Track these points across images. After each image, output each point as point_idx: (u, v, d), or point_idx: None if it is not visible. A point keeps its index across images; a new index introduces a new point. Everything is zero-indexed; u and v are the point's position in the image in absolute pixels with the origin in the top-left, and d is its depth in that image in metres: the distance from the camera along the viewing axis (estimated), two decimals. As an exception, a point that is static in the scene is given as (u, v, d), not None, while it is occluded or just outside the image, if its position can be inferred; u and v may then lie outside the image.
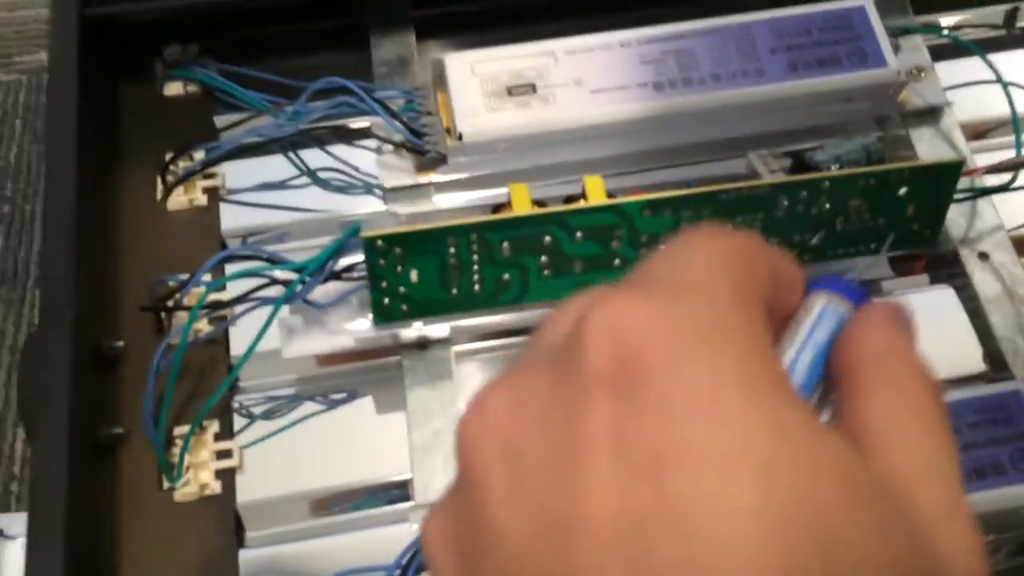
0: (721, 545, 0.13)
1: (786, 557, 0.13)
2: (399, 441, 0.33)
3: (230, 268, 0.34)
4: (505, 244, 0.31)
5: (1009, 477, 0.29)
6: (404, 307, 0.32)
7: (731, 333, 0.14)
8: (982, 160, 0.37)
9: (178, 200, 0.37)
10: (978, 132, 0.40)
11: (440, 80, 0.36)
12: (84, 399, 0.31)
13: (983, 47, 0.40)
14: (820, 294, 0.17)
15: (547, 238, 0.31)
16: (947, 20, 0.42)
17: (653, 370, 0.14)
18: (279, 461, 0.33)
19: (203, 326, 0.34)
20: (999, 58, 0.40)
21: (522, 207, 0.32)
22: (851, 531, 0.13)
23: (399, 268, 0.31)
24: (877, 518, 0.13)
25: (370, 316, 0.32)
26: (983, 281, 0.35)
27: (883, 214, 0.33)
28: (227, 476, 0.32)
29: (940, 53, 0.39)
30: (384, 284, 0.31)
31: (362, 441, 0.34)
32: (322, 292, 0.33)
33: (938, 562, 0.14)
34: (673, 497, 0.13)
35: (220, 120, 0.39)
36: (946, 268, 0.36)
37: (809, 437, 0.14)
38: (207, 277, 0.33)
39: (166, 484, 0.32)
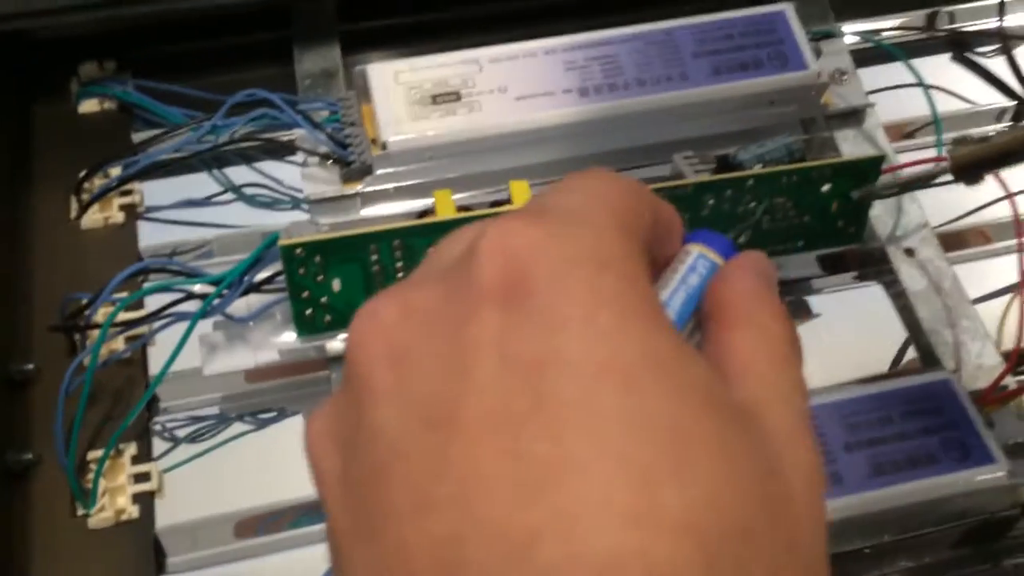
0: (588, 441, 0.14)
1: (645, 457, 0.14)
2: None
3: (147, 284, 0.33)
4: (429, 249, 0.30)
5: (941, 466, 0.29)
6: (328, 318, 0.31)
7: (612, 260, 0.15)
8: (906, 158, 0.37)
9: (93, 219, 0.36)
10: (901, 133, 0.40)
11: (364, 90, 0.35)
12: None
13: (904, 51, 0.40)
14: (696, 245, 0.19)
15: (472, 242, 0.31)
16: (868, 26, 0.43)
17: (539, 286, 0.15)
18: (202, 483, 0.31)
19: (118, 345, 0.33)
20: (919, 62, 0.41)
21: (446, 211, 0.32)
22: (706, 441, 0.14)
23: (320, 277, 0.30)
24: (730, 431, 0.15)
25: (294, 329, 0.31)
26: (910, 276, 0.36)
27: (807, 211, 0.33)
28: (145, 500, 0.31)
29: (862, 58, 0.40)
30: (305, 294, 0.30)
31: (290, 459, 0.32)
32: (244, 306, 0.32)
33: (783, 474, 0.15)
34: (547, 399, 0.14)
35: (138, 137, 0.38)
36: (874, 265, 0.37)
37: (675, 357, 0.15)
38: (122, 294, 0.32)
39: (80, 510, 0.30)
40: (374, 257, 0.30)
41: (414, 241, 0.30)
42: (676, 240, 0.19)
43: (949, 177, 0.31)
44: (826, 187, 0.32)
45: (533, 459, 0.14)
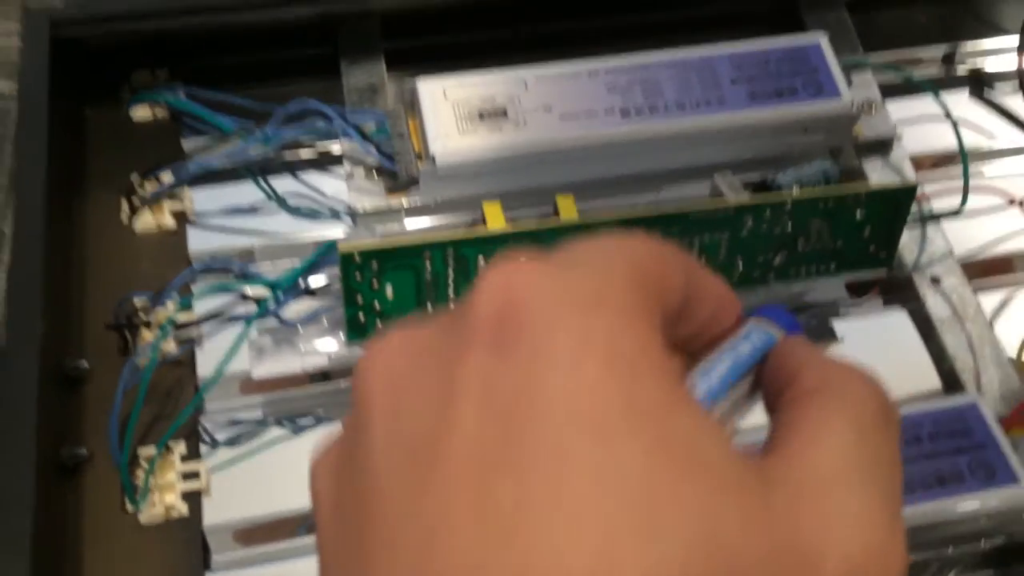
0: (554, 492, 0.13)
1: (609, 512, 0.13)
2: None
3: (198, 287, 0.34)
4: (481, 259, 0.31)
5: (968, 484, 0.30)
6: (378, 323, 0.32)
7: (610, 307, 0.15)
8: (931, 189, 0.39)
9: (145, 222, 0.37)
10: (926, 164, 0.42)
11: (412, 104, 0.36)
12: (49, 419, 0.30)
13: (919, 89, 0.42)
14: (754, 318, 0.18)
15: (521, 255, 0.32)
16: (892, 58, 0.44)
17: (528, 326, 0.14)
18: (247, 483, 0.32)
19: (170, 346, 0.33)
20: (947, 95, 0.42)
21: (496, 224, 0.33)
22: (681, 502, 0.13)
23: (374, 283, 0.31)
24: (714, 496, 0.14)
25: (342, 335, 0.32)
26: (935, 304, 0.37)
27: (841, 235, 0.34)
28: (193, 498, 0.31)
29: (887, 91, 0.41)
30: (359, 299, 0.31)
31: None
32: (293, 311, 0.33)
33: (798, 553, 0.14)
34: (521, 445, 0.14)
35: (188, 144, 0.39)
36: (900, 292, 0.38)
37: (663, 410, 0.14)
38: (174, 296, 0.33)
39: (130, 507, 0.31)
40: (427, 265, 0.31)
41: (466, 251, 0.31)
42: (728, 314, 0.18)
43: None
44: (860, 213, 0.34)
45: (499, 506, 0.13)
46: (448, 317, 0.16)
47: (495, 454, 0.14)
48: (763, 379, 0.17)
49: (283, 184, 0.39)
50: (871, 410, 0.16)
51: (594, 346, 0.14)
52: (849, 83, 0.39)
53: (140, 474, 0.31)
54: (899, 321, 0.37)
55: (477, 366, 0.14)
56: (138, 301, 0.34)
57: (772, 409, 0.17)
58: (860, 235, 0.34)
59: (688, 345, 0.18)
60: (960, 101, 0.44)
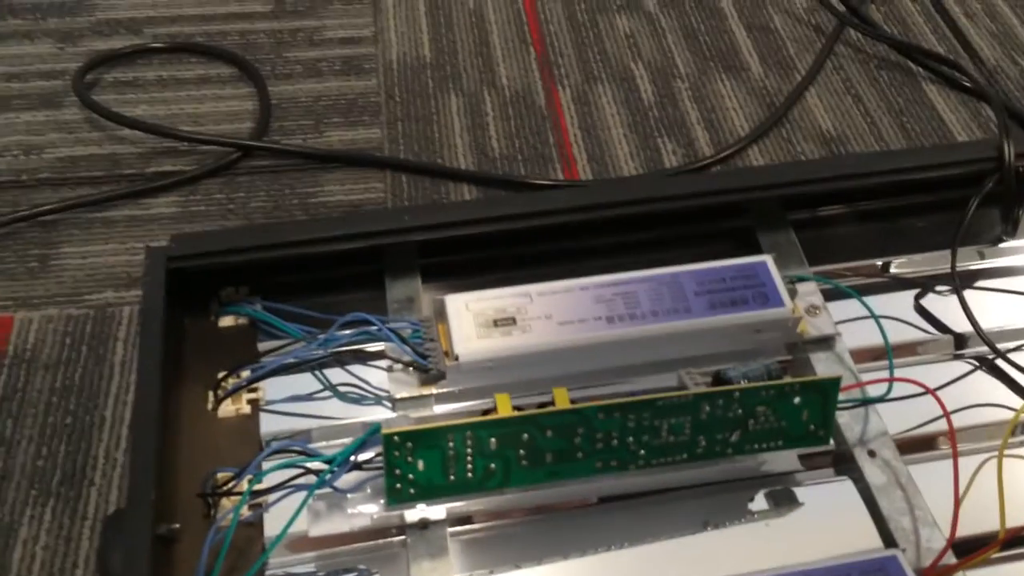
0: None
1: None
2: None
3: (269, 463, 0.43)
4: (492, 440, 0.40)
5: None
6: (412, 491, 0.40)
7: None
8: (867, 377, 0.47)
9: (227, 410, 0.46)
10: (866, 356, 0.50)
11: (440, 314, 0.46)
12: (153, 572, 0.38)
13: (866, 291, 0.51)
14: None
15: (524, 435, 0.40)
16: (838, 268, 0.53)
17: None
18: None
19: (244, 510, 0.42)
20: (886, 298, 0.51)
21: (505, 411, 0.42)
22: None
23: (409, 459, 0.40)
24: None
25: (382, 501, 0.41)
26: (872, 473, 0.44)
27: (784, 418, 0.42)
28: (263, 640, 0.39)
29: (834, 295, 0.50)
30: (397, 472, 0.40)
31: (373, 608, 0.41)
32: (343, 481, 0.41)
33: None
34: None
35: (263, 346, 0.49)
36: (846, 463, 0.45)
37: None
38: (251, 470, 0.42)
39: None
40: (450, 444, 0.40)
41: (481, 433, 0.40)
42: None
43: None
44: (797, 399, 0.42)
45: None
46: None
47: None
48: None
49: (337, 376, 0.48)
50: None
51: None
52: (794, 293, 0.48)
53: (219, 617, 0.39)
54: (846, 488, 0.45)
55: None
56: (221, 475, 0.42)
57: None
58: (799, 418, 0.42)
59: None
60: (894, 303, 0.52)
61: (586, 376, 0.46)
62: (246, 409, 0.46)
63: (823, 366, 0.48)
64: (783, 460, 0.45)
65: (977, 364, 0.49)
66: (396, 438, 0.39)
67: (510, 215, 0.50)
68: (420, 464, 0.40)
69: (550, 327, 0.45)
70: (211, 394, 0.47)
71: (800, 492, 0.45)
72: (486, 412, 0.43)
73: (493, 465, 0.40)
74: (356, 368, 0.48)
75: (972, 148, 0.54)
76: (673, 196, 0.51)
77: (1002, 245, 0.54)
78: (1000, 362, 0.49)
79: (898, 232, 0.55)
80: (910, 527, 0.42)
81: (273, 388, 0.47)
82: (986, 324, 0.50)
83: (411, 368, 0.46)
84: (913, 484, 0.44)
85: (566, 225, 0.51)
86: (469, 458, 0.40)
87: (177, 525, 0.42)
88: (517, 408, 0.43)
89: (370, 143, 0.67)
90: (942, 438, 0.46)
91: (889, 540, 0.42)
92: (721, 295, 0.46)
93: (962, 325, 0.50)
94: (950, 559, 0.40)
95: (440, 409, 0.46)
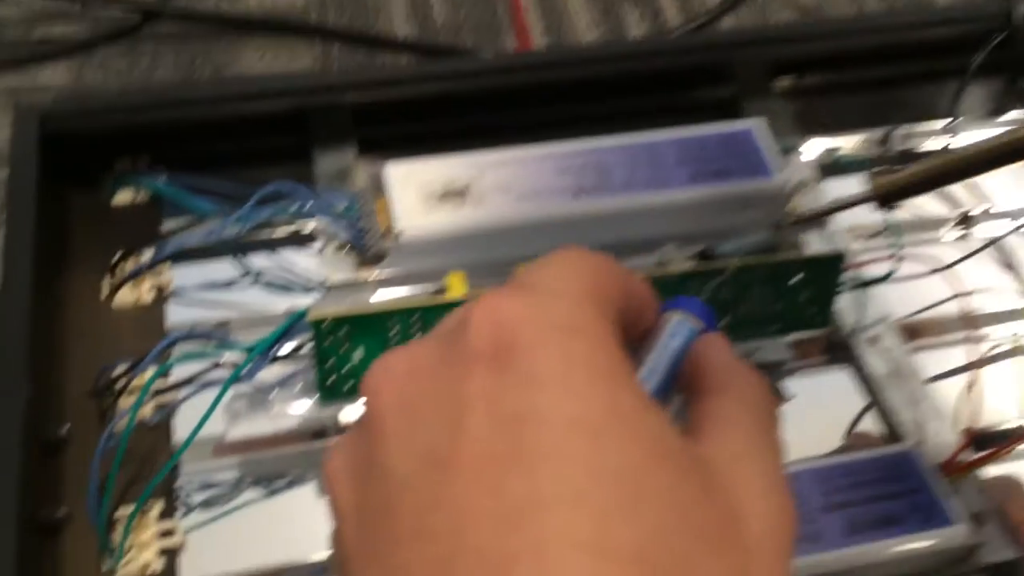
0: (558, 484, 0.16)
1: (604, 497, 0.16)
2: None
3: (175, 355, 0.36)
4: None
5: (907, 526, 0.31)
6: (348, 385, 0.34)
7: (583, 327, 0.18)
8: (867, 258, 0.41)
9: (125, 299, 0.39)
10: (863, 235, 0.45)
11: (378, 187, 0.39)
12: (29, 482, 0.31)
13: (863, 166, 0.45)
14: (675, 312, 0.21)
15: (481, 319, 0.34)
16: (832, 141, 0.48)
17: (521, 350, 0.17)
18: (223, 541, 0.33)
19: (147, 411, 0.35)
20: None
21: (460, 292, 0.35)
22: (658, 485, 0.17)
23: (344, 348, 0.33)
24: (681, 478, 0.17)
25: (313, 397, 0.34)
26: (874, 363, 0.39)
27: (779, 300, 0.37)
28: (170, 556, 0.32)
29: (828, 170, 0.45)
30: (330, 363, 0.33)
31: (307, 522, 0.34)
32: (265, 375, 0.35)
33: (741, 519, 0.18)
34: (526, 448, 0.17)
35: (168, 225, 0.41)
36: (842, 351, 0.40)
37: (637, 413, 0.18)
38: (152, 364, 0.35)
39: (107, 565, 0.32)
40: (394, 331, 0.33)
41: (430, 317, 0.33)
42: (651, 312, 0.22)
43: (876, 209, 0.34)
44: (796, 279, 0.36)
45: (513, 497, 0.16)
46: (443, 344, 0.19)
47: (504, 455, 0.16)
48: (681, 371, 0.21)
49: (258, 261, 0.41)
50: (763, 406, 0.20)
51: (577, 364, 0.17)
52: (785, 164, 0.42)
53: (117, 534, 0.32)
54: (842, 379, 0.40)
55: (481, 384, 0.17)
56: (118, 370, 0.35)
57: (688, 399, 0.21)
58: (797, 299, 0.37)
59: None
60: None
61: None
62: (148, 298, 0.39)
63: (815, 247, 0.42)
64: (773, 349, 0.40)
65: (988, 242, 0.44)
66: (326, 325, 0.32)
67: (459, 73, 0.43)
68: (358, 354, 0.33)
69: (507, 201, 0.39)
70: (106, 282, 0.39)
71: (793, 383, 0.40)
72: (437, 293, 0.36)
73: (441, 352, 0.34)
74: (282, 252, 0.41)
75: (976, 6, 0.48)
76: (643, 53, 0.44)
77: (1010, 115, 0.49)
78: (1013, 240, 0.44)
79: (896, 103, 0.49)
80: (915, 419, 0.37)
81: (182, 275, 0.40)
82: (997, 201, 0.45)
83: (345, 249, 0.39)
84: (918, 374, 0.39)
85: (523, 88, 0.44)
86: (416, 346, 0.34)
87: (64, 429, 0.35)
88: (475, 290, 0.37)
89: (294, 8, 0.59)
90: (949, 323, 0.41)
91: (893, 435, 0.37)
92: (704, 165, 0.40)
93: (970, 202, 0.45)
94: (967, 455, 0.35)
95: (383, 295, 0.39)
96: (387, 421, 0.18)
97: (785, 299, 0.37)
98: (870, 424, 0.38)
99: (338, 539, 0.19)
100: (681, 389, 0.21)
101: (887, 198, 0.34)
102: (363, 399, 0.19)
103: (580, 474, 0.16)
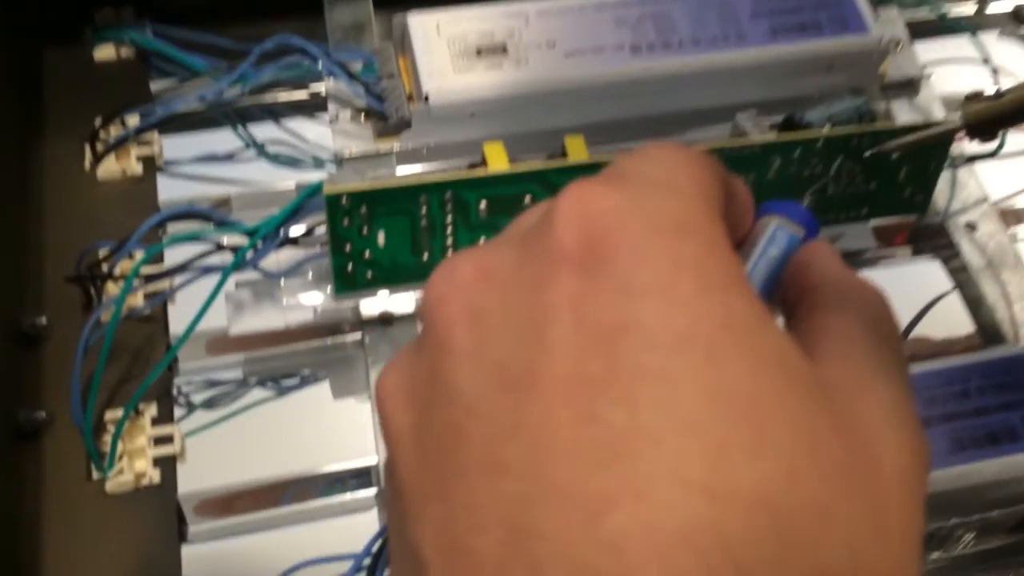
0: (664, 411, 0.13)
1: (721, 429, 0.13)
2: (360, 426, 0.29)
3: (168, 236, 0.31)
4: (482, 204, 0.28)
5: (1022, 442, 0.27)
6: (369, 274, 0.29)
7: (693, 227, 0.15)
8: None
9: (109, 169, 0.34)
10: (957, 106, 0.39)
11: (402, 42, 0.33)
12: (5, 380, 0.27)
13: (951, 28, 0.39)
14: (773, 216, 0.19)
15: (527, 198, 0.29)
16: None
17: (618, 252, 0.15)
18: (225, 449, 0.29)
19: (138, 300, 0.30)
20: (968, 39, 0.40)
21: (499, 165, 0.30)
22: (786, 415, 0.14)
23: (364, 230, 0.28)
24: (813, 407, 0.14)
25: (329, 286, 0.29)
26: (970, 252, 0.34)
27: (875, 177, 0.31)
28: (167, 464, 0.28)
29: (915, 30, 0.38)
30: (347, 247, 0.28)
31: (319, 426, 0.30)
32: (273, 261, 0.30)
33: (875, 456, 0.15)
34: (624, 367, 0.14)
35: (157, 85, 0.36)
36: (930, 239, 0.35)
37: (758, 328, 0.15)
38: (141, 245, 0.30)
39: (96, 474, 0.28)
40: (423, 210, 0.28)
41: (466, 194, 0.28)
42: (748, 215, 0.19)
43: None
44: (894, 154, 0.31)
45: (607, 426, 0.13)
46: (520, 245, 0.16)
47: (596, 376, 0.14)
48: (783, 283, 0.18)
49: (262, 130, 0.36)
50: (883, 320, 0.17)
51: (686, 271, 0.14)
52: (875, 19, 0.36)
53: (106, 439, 0.28)
54: (932, 270, 0.35)
55: (567, 291, 0.14)
56: (102, 252, 0.31)
57: (790, 314, 0.18)
58: (895, 177, 0.31)
59: None
60: (993, 40, 0.41)
61: (604, 127, 0.34)
62: (137, 169, 0.34)
63: (906, 117, 0.36)
64: (853, 234, 0.35)
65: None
66: (345, 200, 0.27)
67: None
68: (380, 237, 0.28)
69: (554, 58, 0.33)
70: (88, 149, 0.34)
71: (872, 275, 0.34)
72: (472, 167, 0.31)
73: (483, 239, 0.29)
74: (289, 120, 0.36)
75: None
76: None
77: None
78: None
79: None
80: (1014, 317, 0.33)
81: (175, 144, 0.35)
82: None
83: (363, 116, 0.34)
84: (1022, 265, 0.34)
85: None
86: (449, 228, 0.29)
87: (43, 320, 0.30)
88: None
89: None
90: (1060, 206, 0.36)
91: (991, 334, 0.33)
92: (787, 17, 0.34)
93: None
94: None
95: (404, 172, 0.34)
96: (454, 335, 0.15)
97: (881, 176, 0.31)
98: (961, 323, 0.33)
99: (392, 469, 0.16)
100: (779, 305, 0.19)
101: (980, 129, 0.28)
102: (424, 311, 0.16)
103: (691, 400, 0.14)
